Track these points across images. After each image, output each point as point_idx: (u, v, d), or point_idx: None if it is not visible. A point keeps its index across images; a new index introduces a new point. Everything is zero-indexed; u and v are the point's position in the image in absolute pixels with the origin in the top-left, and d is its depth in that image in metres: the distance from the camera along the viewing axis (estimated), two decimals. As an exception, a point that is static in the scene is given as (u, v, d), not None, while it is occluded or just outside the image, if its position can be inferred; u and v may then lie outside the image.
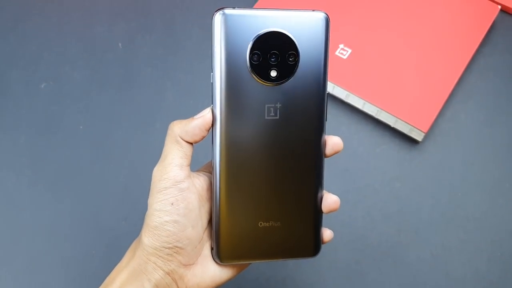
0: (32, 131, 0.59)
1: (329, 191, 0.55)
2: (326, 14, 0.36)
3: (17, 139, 0.59)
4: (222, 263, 0.37)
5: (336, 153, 0.38)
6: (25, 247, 0.53)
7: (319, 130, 0.37)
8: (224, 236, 0.37)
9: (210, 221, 0.38)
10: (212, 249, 0.38)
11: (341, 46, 0.60)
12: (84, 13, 0.67)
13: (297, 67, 0.35)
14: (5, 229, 0.54)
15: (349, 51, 0.60)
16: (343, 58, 0.59)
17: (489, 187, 0.56)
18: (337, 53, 0.60)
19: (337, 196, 0.38)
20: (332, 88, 0.59)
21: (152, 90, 0.62)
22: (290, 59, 0.35)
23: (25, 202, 0.55)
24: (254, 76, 0.35)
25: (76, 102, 0.61)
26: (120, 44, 0.65)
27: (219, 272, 0.38)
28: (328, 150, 0.37)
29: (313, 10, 0.35)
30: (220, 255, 0.37)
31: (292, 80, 0.35)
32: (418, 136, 0.56)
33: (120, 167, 0.57)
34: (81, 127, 0.59)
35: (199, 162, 0.41)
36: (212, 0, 0.68)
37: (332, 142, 0.37)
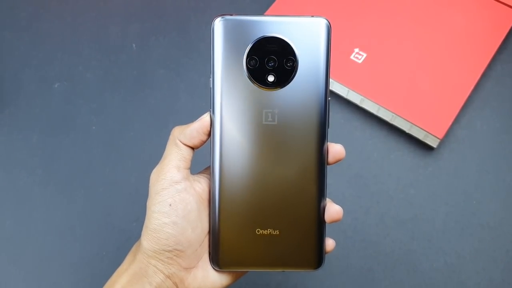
0: (44, 131, 0.59)
1: (343, 196, 0.55)
2: (327, 20, 0.35)
3: (29, 139, 0.59)
4: (218, 269, 0.37)
5: (338, 161, 0.37)
6: (36, 247, 0.53)
7: (320, 137, 0.36)
8: (221, 242, 0.37)
9: None
10: (209, 254, 0.37)
11: (356, 50, 0.60)
12: (98, 13, 0.68)
13: (295, 72, 0.35)
14: (16, 228, 0.54)
15: (364, 55, 0.59)
16: (358, 63, 0.59)
17: (505, 195, 0.55)
18: (352, 57, 0.59)
19: (339, 206, 0.37)
20: (346, 92, 0.58)
21: (165, 92, 0.62)
22: (288, 64, 0.35)
23: (37, 201, 0.55)
24: (252, 81, 0.35)
25: (89, 103, 0.61)
26: (134, 45, 0.65)
27: (220, 277, 0.37)
28: (330, 158, 0.37)
29: (314, 16, 0.35)
30: (216, 261, 0.37)
31: (290, 86, 0.35)
32: (433, 142, 0.56)
33: (132, 168, 0.57)
34: (93, 127, 0.59)
35: (203, 167, 0.40)
36: (226, 2, 0.68)
37: (334, 150, 0.37)
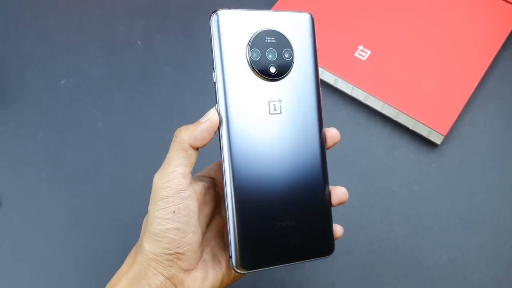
0: (50, 127, 0.60)
1: (348, 193, 0.55)
2: (311, 15, 0.38)
3: (35, 135, 0.59)
4: (241, 272, 0.35)
5: (335, 144, 0.39)
6: (42, 242, 0.53)
7: (319, 123, 0.38)
8: (243, 242, 0.35)
9: (208, 225, 0.38)
10: (230, 257, 0.36)
11: (361, 47, 0.60)
12: (104, 11, 0.68)
13: (293, 63, 0.37)
14: (22, 223, 0.54)
15: (369, 52, 0.60)
16: (362, 60, 0.59)
17: (508, 192, 0.55)
18: (356, 54, 0.59)
19: (344, 187, 0.39)
20: (351, 89, 0.58)
21: (170, 89, 0.62)
22: (286, 55, 0.37)
23: (43, 197, 0.56)
24: (255, 73, 0.36)
25: (95, 99, 0.61)
26: (139, 43, 0.65)
27: (219, 277, 0.37)
28: (328, 142, 0.38)
29: (300, 12, 0.38)
30: (240, 263, 0.35)
31: (289, 76, 0.37)
32: (437, 139, 0.56)
33: (137, 164, 0.57)
34: (99, 124, 0.60)
35: (199, 165, 0.40)
36: (230, 0, 0.68)
37: (331, 134, 0.38)
